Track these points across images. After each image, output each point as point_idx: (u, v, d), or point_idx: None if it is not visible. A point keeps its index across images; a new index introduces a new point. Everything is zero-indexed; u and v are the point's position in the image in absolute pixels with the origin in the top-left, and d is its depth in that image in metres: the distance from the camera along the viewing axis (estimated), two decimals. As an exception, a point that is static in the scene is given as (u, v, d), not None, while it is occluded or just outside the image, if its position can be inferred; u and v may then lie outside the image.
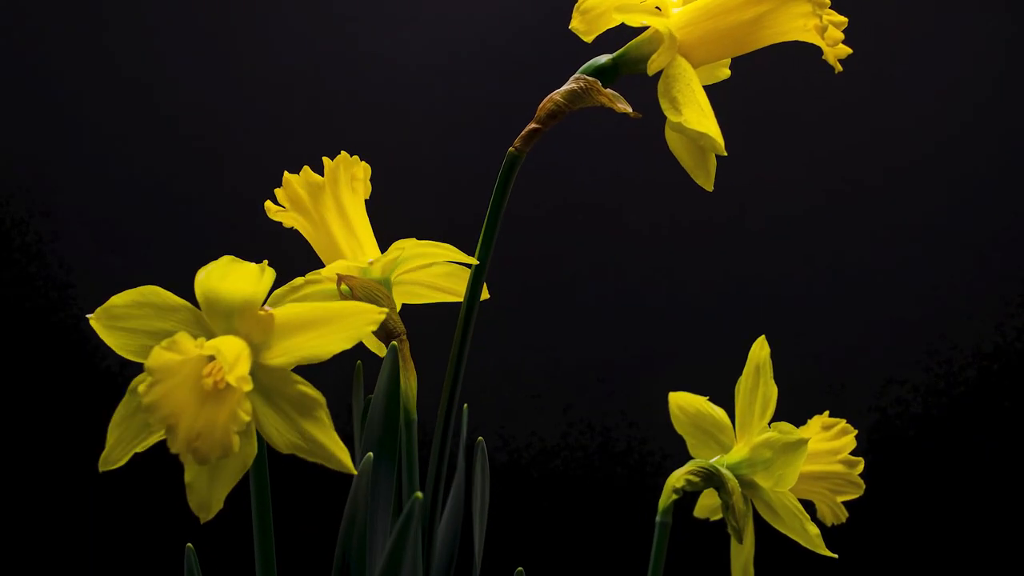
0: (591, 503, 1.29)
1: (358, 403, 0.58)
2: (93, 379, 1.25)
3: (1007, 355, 1.29)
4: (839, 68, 0.50)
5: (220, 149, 1.28)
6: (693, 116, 0.46)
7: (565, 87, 0.49)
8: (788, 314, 1.29)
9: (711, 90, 0.54)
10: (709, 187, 0.51)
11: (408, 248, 0.55)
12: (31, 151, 1.25)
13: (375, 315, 0.45)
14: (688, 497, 0.63)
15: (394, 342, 0.53)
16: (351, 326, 0.45)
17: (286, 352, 0.45)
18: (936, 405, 1.29)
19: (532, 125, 0.50)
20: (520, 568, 0.60)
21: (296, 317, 0.45)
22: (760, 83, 1.31)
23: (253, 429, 0.45)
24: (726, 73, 0.52)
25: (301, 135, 1.26)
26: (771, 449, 0.61)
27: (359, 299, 0.53)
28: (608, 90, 0.49)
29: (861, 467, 0.63)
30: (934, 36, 1.32)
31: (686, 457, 0.65)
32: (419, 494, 0.47)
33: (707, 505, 0.66)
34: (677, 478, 0.61)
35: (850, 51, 0.50)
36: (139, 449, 0.46)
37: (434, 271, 0.57)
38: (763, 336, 0.63)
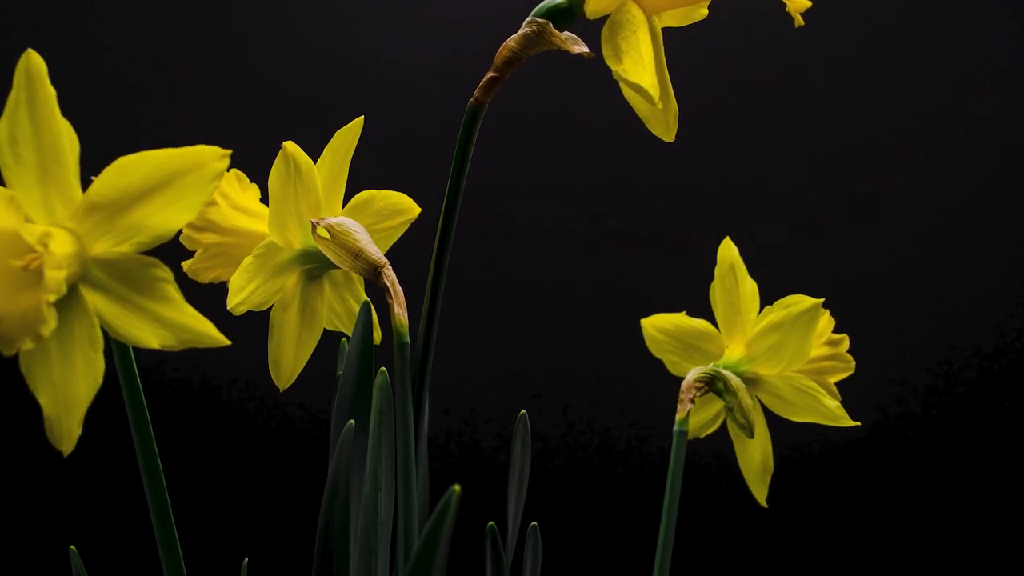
0: (591, 503, 1.29)
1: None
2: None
3: (1007, 355, 1.29)
4: (800, 21, 0.48)
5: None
6: (632, 67, 0.45)
7: (519, 32, 0.48)
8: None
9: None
10: (668, 138, 0.48)
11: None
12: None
13: (218, 161, 0.38)
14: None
15: (365, 298, 0.51)
16: (195, 187, 0.38)
17: (121, 237, 0.38)
18: (936, 405, 1.29)
19: (490, 74, 0.49)
20: (534, 523, 0.60)
21: (122, 187, 0.38)
22: (760, 83, 1.31)
23: (100, 337, 0.39)
24: (703, 13, 0.50)
25: (301, 136, 1.26)
26: (778, 330, 0.59)
27: (338, 240, 0.52)
28: (565, 33, 0.47)
29: (846, 343, 0.61)
30: (936, 35, 1.32)
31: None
32: (457, 488, 0.43)
33: (696, 423, 0.64)
34: (688, 388, 0.59)
35: (808, 3, 0.48)
36: None
37: (376, 208, 0.56)
38: (727, 237, 0.62)
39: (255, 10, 1.29)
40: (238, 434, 1.26)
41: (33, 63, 0.39)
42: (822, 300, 0.59)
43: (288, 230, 0.53)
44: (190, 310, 0.39)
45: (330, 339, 0.59)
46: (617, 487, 1.29)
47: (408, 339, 0.49)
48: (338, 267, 0.52)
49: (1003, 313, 1.29)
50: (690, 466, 1.30)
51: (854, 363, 0.62)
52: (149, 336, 0.39)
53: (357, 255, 0.51)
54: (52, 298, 0.36)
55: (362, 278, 0.56)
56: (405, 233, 0.62)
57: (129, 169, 0.38)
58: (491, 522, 0.56)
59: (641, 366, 1.31)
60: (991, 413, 1.29)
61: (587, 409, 1.30)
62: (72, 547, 0.54)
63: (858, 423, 0.60)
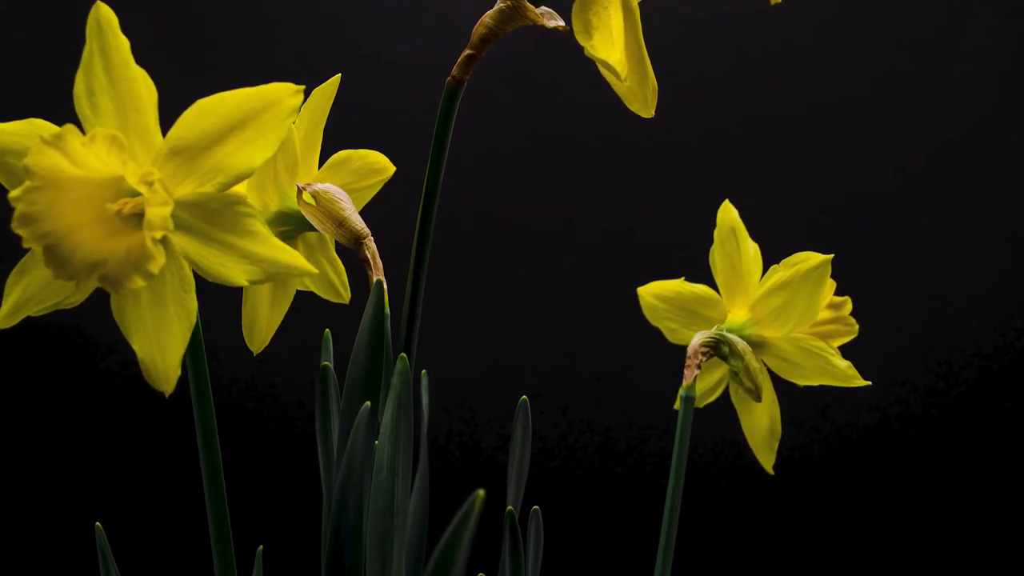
0: (591, 503, 1.29)
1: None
2: (93, 379, 1.25)
3: (1007, 355, 1.29)
4: None
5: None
6: (600, 42, 0.45)
7: (494, 8, 0.48)
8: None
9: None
10: (647, 114, 0.48)
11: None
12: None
13: (292, 97, 0.39)
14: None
15: (379, 277, 0.50)
16: (272, 124, 0.39)
17: (203, 179, 0.38)
18: (936, 405, 1.29)
19: (467, 51, 0.49)
20: (536, 507, 0.60)
21: (200, 130, 0.38)
22: (760, 82, 1.31)
23: (191, 278, 0.39)
24: None
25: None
26: (785, 290, 0.57)
27: (323, 207, 0.51)
28: (540, 7, 0.47)
29: (849, 306, 0.60)
30: (936, 35, 1.32)
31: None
32: (481, 492, 0.42)
33: (697, 391, 0.60)
34: (694, 352, 0.57)
35: None
36: (33, 312, 0.40)
37: (353, 167, 0.56)
38: (727, 200, 0.61)
39: (255, 11, 1.29)
40: (238, 434, 1.26)
41: (103, 15, 0.40)
42: (831, 256, 0.57)
43: (266, 192, 0.53)
44: (276, 242, 0.39)
45: (316, 331, 0.59)
46: (617, 487, 1.29)
47: (388, 310, 0.49)
48: (312, 229, 0.52)
49: (1003, 313, 1.29)
50: (690, 465, 1.30)
51: (857, 326, 0.60)
52: (237, 273, 0.39)
53: (340, 223, 0.51)
54: (159, 235, 0.37)
55: (333, 240, 0.56)
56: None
57: (207, 111, 0.39)
58: (510, 506, 0.56)
59: (641, 366, 1.31)
60: (991, 413, 1.29)
61: (587, 409, 1.30)
62: (98, 524, 0.54)
63: (869, 382, 0.58)
